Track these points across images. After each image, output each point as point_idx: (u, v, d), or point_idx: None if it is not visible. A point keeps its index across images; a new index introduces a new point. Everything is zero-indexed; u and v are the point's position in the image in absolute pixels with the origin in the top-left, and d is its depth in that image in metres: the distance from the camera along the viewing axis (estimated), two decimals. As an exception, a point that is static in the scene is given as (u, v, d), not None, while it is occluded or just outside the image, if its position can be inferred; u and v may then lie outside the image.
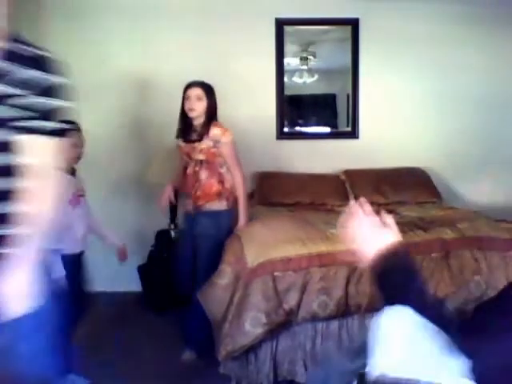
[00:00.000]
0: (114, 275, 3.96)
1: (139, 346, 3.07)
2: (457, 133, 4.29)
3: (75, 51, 3.92)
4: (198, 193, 2.92)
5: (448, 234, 2.79)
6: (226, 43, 4.10)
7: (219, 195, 2.91)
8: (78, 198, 2.56)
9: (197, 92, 2.88)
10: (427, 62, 4.22)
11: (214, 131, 2.86)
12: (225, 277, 2.66)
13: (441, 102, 4.27)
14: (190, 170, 2.95)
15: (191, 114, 2.88)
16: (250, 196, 4.01)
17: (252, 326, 2.42)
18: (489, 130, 4.28)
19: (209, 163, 2.90)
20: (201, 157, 2.90)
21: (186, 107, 2.89)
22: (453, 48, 4.21)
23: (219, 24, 4.09)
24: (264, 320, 2.43)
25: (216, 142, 2.86)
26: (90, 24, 4.00)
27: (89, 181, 2.79)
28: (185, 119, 2.95)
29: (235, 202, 2.96)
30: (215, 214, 2.91)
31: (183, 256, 3.03)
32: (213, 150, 2.88)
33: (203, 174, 2.92)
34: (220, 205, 2.92)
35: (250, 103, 4.14)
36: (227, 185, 2.94)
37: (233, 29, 4.10)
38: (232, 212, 2.96)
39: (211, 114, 2.92)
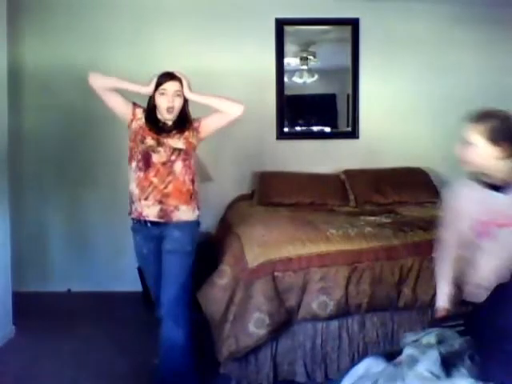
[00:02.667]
0: (114, 275, 3.97)
1: (139, 345, 3.06)
2: (457, 132, 4.27)
3: (74, 51, 3.93)
4: (169, 189, 2.38)
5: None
6: (225, 43, 4.10)
7: (190, 198, 2.43)
8: None
9: (175, 87, 2.38)
10: (427, 62, 4.22)
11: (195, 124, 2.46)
12: (224, 277, 2.66)
13: (441, 102, 4.26)
14: (158, 159, 2.37)
15: (168, 116, 2.39)
16: (250, 196, 4.01)
17: (256, 327, 2.43)
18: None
19: (187, 155, 2.42)
20: (180, 145, 2.40)
21: (163, 104, 2.37)
22: (453, 48, 4.21)
23: (219, 24, 4.09)
24: (267, 321, 2.43)
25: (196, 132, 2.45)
26: (89, 24, 4.01)
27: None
28: (153, 116, 2.42)
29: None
30: (188, 226, 2.44)
31: (157, 276, 2.48)
32: (191, 140, 2.44)
33: (178, 167, 2.40)
34: (192, 214, 2.45)
35: (250, 103, 4.12)
36: (196, 187, 2.49)
37: (233, 29, 4.10)
38: (199, 224, 2.52)
39: (186, 112, 2.46)
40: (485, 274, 1.80)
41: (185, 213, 2.42)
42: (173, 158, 2.38)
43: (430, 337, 1.57)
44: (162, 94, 2.36)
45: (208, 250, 3.13)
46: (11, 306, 3.20)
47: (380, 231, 2.81)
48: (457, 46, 4.20)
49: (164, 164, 2.37)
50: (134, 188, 2.42)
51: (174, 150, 2.39)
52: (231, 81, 4.03)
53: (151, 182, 2.37)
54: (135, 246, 2.53)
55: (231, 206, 3.92)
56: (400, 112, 4.28)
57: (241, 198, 4.02)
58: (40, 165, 4.08)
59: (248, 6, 4.11)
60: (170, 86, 2.36)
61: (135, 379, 2.66)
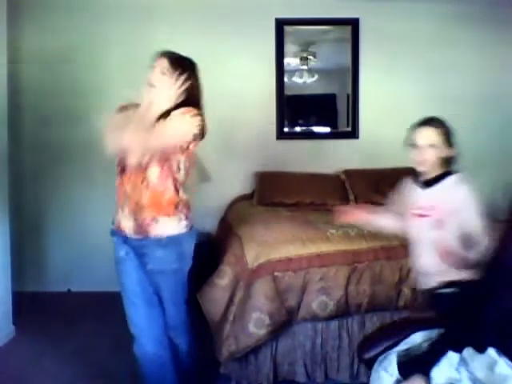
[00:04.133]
0: (114, 275, 3.97)
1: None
2: (457, 132, 4.27)
3: (74, 51, 3.93)
4: (144, 200, 2.00)
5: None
6: (225, 43, 4.10)
7: (175, 208, 2.04)
8: None
9: (164, 64, 2.04)
10: (427, 61, 4.22)
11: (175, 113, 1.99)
12: (224, 277, 2.67)
13: (441, 102, 4.25)
14: (131, 162, 1.96)
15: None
16: (250, 196, 4.01)
17: (256, 327, 2.43)
18: (490, 129, 4.28)
19: (165, 159, 2.00)
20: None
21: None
22: (453, 48, 4.21)
23: (219, 24, 4.09)
24: (268, 321, 2.44)
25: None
26: (88, 24, 4.01)
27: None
28: None
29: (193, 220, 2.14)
30: (173, 242, 2.04)
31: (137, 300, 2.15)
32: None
33: (154, 172, 2.00)
34: (178, 226, 2.05)
35: (250, 103, 4.14)
36: (183, 195, 2.09)
37: (233, 29, 4.10)
38: (195, 234, 2.16)
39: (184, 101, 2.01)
40: (421, 262, 2.05)
41: (165, 225, 2.03)
42: (146, 161, 1.95)
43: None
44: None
45: (208, 250, 3.13)
46: (11, 306, 3.20)
47: (380, 231, 2.81)
48: (457, 46, 4.20)
49: (136, 169, 1.98)
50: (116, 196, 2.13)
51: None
52: (231, 81, 4.03)
53: (125, 191, 2.04)
54: (114, 251, 2.20)
55: (231, 206, 3.93)
56: (400, 112, 4.27)
57: (241, 198, 4.02)
58: (40, 165, 4.08)
59: (248, 6, 4.11)
60: (158, 62, 2.08)
61: (135, 379, 2.65)
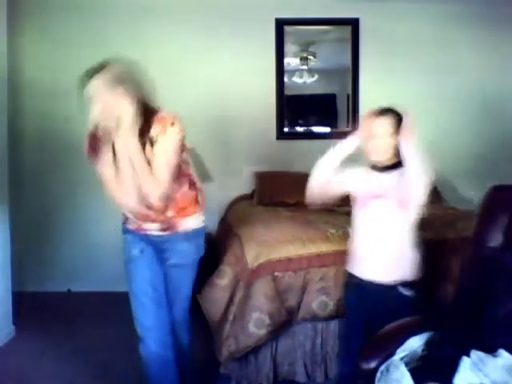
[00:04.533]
0: (114, 275, 3.97)
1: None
2: (457, 132, 4.28)
3: (73, 51, 3.93)
4: (170, 213, 2.09)
5: (448, 234, 2.79)
6: (225, 43, 4.10)
7: (196, 202, 2.17)
8: None
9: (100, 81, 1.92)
10: (427, 61, 4.22)
11: (155, 128, 1.97)
12: (225, 277, 2.66)
13: (441, 102, 4.26)
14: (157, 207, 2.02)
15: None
16: (250, 196, 4.01)
17: (256, 327, 2.43)
18: (490, 129, 4.28)
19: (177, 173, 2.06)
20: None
21: None
22: (453, 48, 4.21)
23: (219, 24, 4.09)
24: (268, 321, 2.43)
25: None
26: (89, 25, 4.01)
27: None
28: None
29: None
30: (196, 233, 2.17)
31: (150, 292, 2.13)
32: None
33: (173, 186, 2.07)
34: (199, 218, 2.18)
35: (250, 103, 4.14)
36: (199, 185, 2.22)
37: (233, 29, 4.10)
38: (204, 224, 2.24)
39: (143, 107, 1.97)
40: (358, 243, 2.11)
41: (191, 219, 2.14)
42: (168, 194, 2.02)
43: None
44: None
45: (208, 250, 3.12)
46: (11, 306, 3.20)
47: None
48: (457, 47, 4.21)
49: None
50: None
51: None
52: (231, 81, 4.03)
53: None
54: (124, 249, 2.17)
55: (231, 206, 3.93)
56: (400, 112, 4.28)
57: (241, 198, 4.02)
58: (41, 165, 4.08)
59: (248, 6, 4.11)
60: None
61: (135, 379, 2.65)
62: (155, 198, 1.95)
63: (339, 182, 2.21)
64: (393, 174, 2.05)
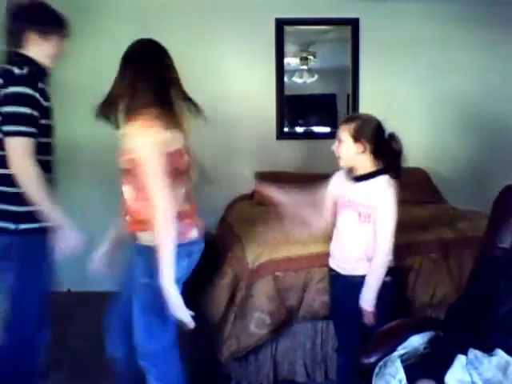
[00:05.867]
0: (115, 275, 3.97)
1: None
2: (457, 132, 4.29)
3: (73, 51, 3.92)
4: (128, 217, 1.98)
5: (448, 234, 2.79)
6: (225, 43, 4.10)
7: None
8: None
9: None
10: (427, 62, 4.22)
11: (131, 129, 1.81)
12: (225, 277, 2.67)
13: (441, 102, 4.27)
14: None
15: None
16: (250, 196, 4.01)
17: (257, 327, 2.44)
18: (490, 129, 4.28)
19: (132, 175, 1.85)
20: (122, 163, 1.87)
21: None
22: (453, 48, 4.21)
23: (219, 24, 4.09)
24: (269, 321, 2.44)
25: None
26: (89, 25, 4.00)
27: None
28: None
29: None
30: (146, 250, 1.87)
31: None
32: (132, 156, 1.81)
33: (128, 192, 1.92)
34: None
35: (250, 103, 4.14)
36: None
37: (233, 29, 4.10)
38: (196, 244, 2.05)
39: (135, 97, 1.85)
40: (336, 245, 2.21)
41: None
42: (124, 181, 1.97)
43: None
44: None
45: (208, 250, 3.13)
46: (11, 306, 3.20)
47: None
48: (457, 46, 4.21)
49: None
50: None
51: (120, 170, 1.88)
52: (231, 81, 4.03)
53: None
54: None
55: (231, 206, 3.92)
56: (400, 112, 4.28)
57: (241, 198, 4.02)
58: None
59: (248, 6, 4.11)
60: None
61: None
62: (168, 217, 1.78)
63: (327, 199, 2.29)
64: (364, 185, 2.10)
